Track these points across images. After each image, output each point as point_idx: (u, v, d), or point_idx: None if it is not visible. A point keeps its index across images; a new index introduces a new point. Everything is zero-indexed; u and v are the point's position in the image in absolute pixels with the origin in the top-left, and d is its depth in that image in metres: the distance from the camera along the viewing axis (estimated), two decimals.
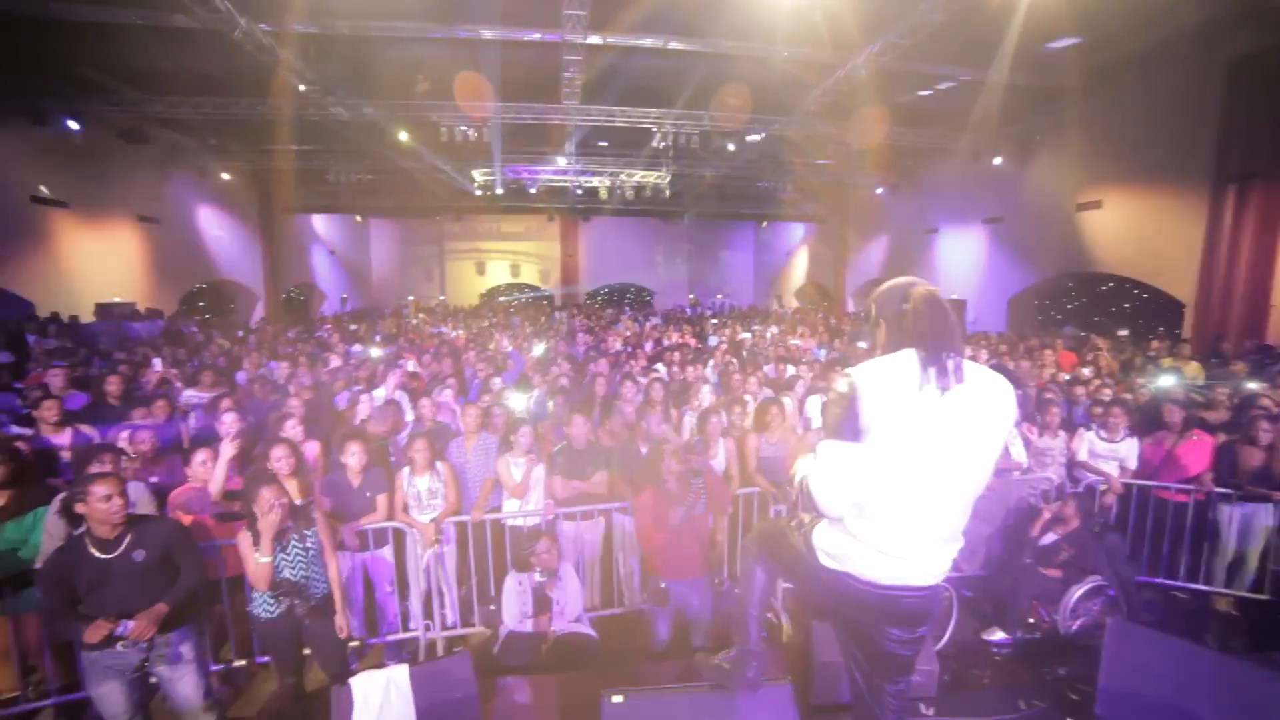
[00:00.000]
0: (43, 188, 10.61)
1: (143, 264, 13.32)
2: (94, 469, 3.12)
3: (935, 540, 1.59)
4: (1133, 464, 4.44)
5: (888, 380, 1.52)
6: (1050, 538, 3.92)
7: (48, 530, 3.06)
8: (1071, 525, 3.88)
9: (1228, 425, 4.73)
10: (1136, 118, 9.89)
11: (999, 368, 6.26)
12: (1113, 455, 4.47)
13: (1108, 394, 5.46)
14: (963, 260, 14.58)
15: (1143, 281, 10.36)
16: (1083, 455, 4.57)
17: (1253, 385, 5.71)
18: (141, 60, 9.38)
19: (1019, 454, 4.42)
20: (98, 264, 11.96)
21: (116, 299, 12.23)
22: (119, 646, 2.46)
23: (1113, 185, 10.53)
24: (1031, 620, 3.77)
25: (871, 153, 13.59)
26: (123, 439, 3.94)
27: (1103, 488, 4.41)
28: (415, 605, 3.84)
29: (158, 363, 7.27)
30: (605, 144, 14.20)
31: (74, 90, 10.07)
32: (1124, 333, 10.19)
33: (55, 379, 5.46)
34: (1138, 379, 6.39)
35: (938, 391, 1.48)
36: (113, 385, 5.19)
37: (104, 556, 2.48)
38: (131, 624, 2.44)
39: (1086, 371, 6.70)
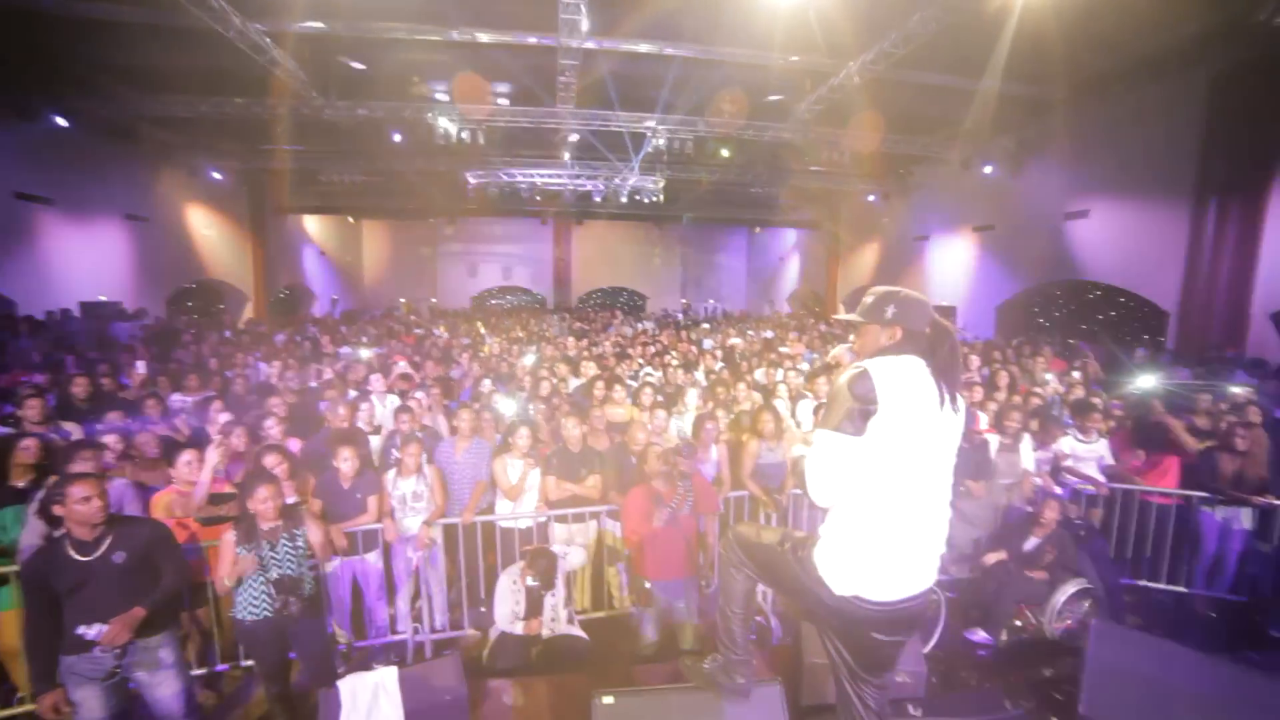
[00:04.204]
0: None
1: (130, 263, 13.14)
2: (74, 468, 3.06)
3: (937, 544, 1.68)
4: (1109, 460, 4.54)
5: (904, 380, 1.60)
6: (1033, 541, 3.97)
7: (28, 530, 2.97)
8: (1050, 527, 3.93)
9: (1210, 432, 4.83)
10: (1124, 129, 10.05)
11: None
12: (1090, 455, 4.56)
13: (1085, 396, 5.55)
14: (952, 267, 14.73)
15: (1129, 290, 10.52)
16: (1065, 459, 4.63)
17: (1235, 390, 5.81)
18: (134, 57, 9.29)
19: (1028, 462, 4.47)
20: (83, 262, 11.79)
21: (102, 298, 12.10)
22: (96, 651, 2.38)
23: (1100, 195, 10.69)
24: (1018, 623, 3.81)
25: (864, 159, 13.72)
26: (109, 438, 3.90)
27: (1087, 489, 4.47)
28: (403, 608, 3.82)
29: (141, 365, 7.14)
30: (600, 148, 14.24)
31: (64, 87, 9.92)
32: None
33: (40, 378, 5.39)
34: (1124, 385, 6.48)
35: (950, 406, 1.63)
36: (78, 388, 5.02)
37: (83, 559, 2.41)
38: (104, 628, 2.35)
39: (1076, 375, 6.79)
